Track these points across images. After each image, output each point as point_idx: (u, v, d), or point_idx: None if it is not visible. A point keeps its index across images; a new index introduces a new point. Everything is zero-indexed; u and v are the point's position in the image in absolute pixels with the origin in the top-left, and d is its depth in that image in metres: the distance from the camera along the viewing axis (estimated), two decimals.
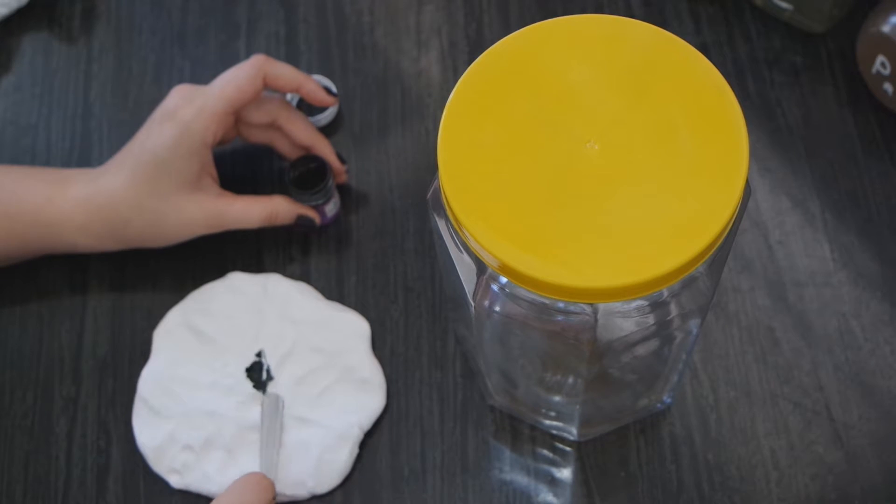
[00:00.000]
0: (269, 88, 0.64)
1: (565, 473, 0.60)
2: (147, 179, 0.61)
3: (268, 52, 0.73)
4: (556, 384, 0.58)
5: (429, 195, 0.48)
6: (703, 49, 0.70)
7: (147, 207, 0.61)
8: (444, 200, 0.43)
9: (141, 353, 0.64)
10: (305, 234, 0.66)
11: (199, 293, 0.64)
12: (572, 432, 0.60)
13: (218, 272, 0.65)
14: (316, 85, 0.65)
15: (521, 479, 0.60)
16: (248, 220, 0.63)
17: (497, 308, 0.47)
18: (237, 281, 0.65)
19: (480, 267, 0.46)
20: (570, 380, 0.57)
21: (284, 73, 0.64)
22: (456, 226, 0.43)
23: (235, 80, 0.62)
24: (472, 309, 0.48)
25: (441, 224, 0.47)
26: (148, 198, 0.61)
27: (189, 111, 0.61)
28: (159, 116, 0.62)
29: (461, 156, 0.43)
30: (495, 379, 0.59)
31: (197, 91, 0.62)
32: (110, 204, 0.61)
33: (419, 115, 0.70)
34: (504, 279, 0.43)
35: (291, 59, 0.72)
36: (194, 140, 0.61)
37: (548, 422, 0.60)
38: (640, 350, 0.51)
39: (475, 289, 0.47)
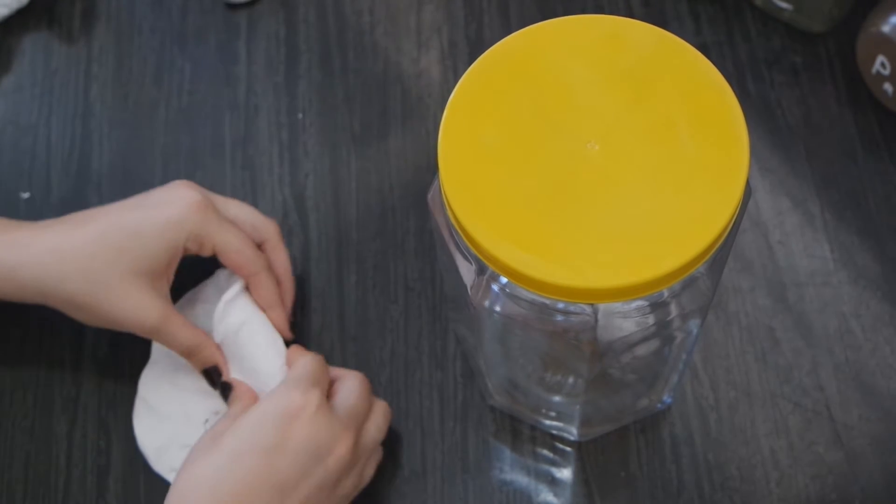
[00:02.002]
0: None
1: (565, 473, 0.60)
2: (113, 245, 0.56)
3: (267, 52, 0.73)
4: (556, 384, 0.58)
5: (429, 195, 0.48)
6: (703, 49, 0.70)
7: (95, 279, 0.56)
8: (444, 200, 0.43)
9: (141, 353, 0.63)
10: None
11: (192, 293, 0.63)
12: (572, 432, 0.60)
13: None
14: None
15: (521, 480, 0.60)
16: (177, 340, 0.58)
17: (497, 308, 0.47)
18: (221, 278, 0.62)
19: (480, 267, 0.46)
20: (571, 380, 0.57)
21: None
22: (456, 226, 0.43)
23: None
24: (473, 309, 0.48)
25: (441, 224, 0.47)
26: (102, 265, 0.56)
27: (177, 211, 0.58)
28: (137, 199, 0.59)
29: (461, 156, 0.43)
30: (495, 379, 0.59)
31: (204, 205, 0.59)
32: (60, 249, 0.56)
33: (419, 115, 0.70)
34: (504, 279, 0.43)
35: (291, 58, 0.72)
36: (177, 235, 0.57)
37: (548, 422, 0.60)
38: (641, 350, 0.51)
39: (475, 289, 0.47)
